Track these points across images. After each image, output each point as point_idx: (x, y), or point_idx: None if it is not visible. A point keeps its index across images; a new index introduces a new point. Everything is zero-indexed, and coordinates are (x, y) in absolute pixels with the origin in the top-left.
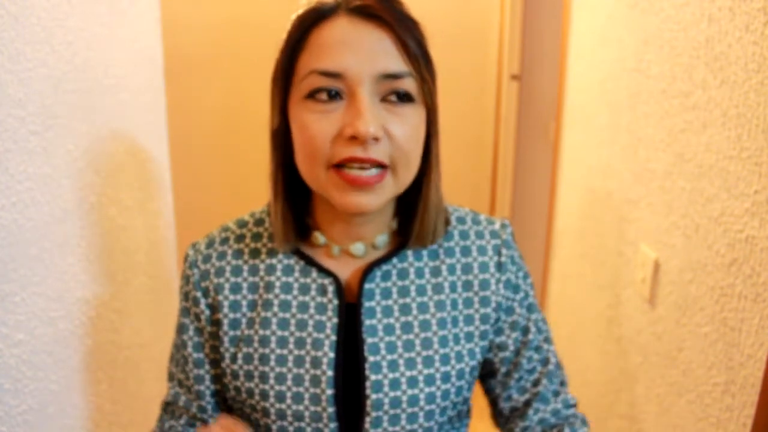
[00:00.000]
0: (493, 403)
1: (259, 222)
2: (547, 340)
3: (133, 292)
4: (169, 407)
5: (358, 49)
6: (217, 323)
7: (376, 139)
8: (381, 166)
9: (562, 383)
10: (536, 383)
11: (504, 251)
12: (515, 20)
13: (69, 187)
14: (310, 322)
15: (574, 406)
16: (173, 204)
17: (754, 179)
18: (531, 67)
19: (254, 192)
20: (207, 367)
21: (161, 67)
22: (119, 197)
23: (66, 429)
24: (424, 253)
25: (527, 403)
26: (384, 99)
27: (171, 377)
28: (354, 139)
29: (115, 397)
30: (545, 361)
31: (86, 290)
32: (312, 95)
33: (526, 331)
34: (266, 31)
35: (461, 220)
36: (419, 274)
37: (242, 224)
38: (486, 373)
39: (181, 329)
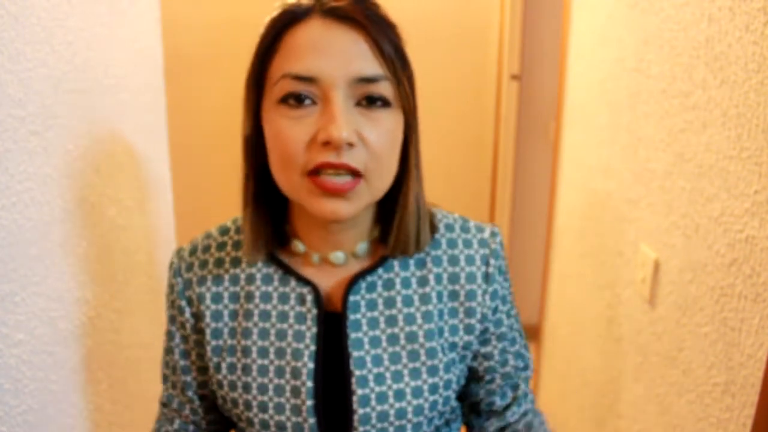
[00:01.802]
0: (473, 405)
1: (240, 230)
2: (526, 346)
3: (133, 292)
4: (164, 408)
5: (331, 53)
6: (201, 332)
7: (350, 144)
8: (355, 173)
9: (527, 383)
10: (516, 388)
11: (492, 261)
12: (515, 20)
13: (69, 187)
14: (290, 332)
15: (533, 402)
16: (173, 204)
17: (754, 179)
18: (531, 67)
19: None
20: (194, 374)
21: (161, 67)
22: (119, 197)
23: (66, 429)
24: (411, 262)
25: (507, 407)
26: (359, 103)
27: (165, 379)
28: (327, 144)
29: (115, 397)
30: (525, 367)
31: (86, 290)
32: (285, 100)
33: (513, 341)
34: None
35: (449, 228)
36: (405, 284)
37: (224, 231)
38: (469, 379)
39: (168, 336)
